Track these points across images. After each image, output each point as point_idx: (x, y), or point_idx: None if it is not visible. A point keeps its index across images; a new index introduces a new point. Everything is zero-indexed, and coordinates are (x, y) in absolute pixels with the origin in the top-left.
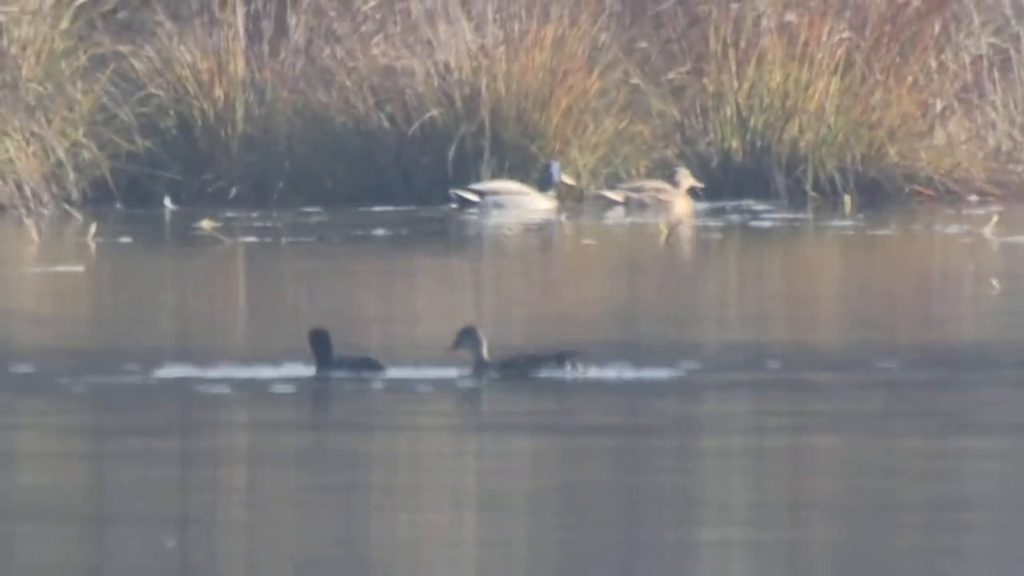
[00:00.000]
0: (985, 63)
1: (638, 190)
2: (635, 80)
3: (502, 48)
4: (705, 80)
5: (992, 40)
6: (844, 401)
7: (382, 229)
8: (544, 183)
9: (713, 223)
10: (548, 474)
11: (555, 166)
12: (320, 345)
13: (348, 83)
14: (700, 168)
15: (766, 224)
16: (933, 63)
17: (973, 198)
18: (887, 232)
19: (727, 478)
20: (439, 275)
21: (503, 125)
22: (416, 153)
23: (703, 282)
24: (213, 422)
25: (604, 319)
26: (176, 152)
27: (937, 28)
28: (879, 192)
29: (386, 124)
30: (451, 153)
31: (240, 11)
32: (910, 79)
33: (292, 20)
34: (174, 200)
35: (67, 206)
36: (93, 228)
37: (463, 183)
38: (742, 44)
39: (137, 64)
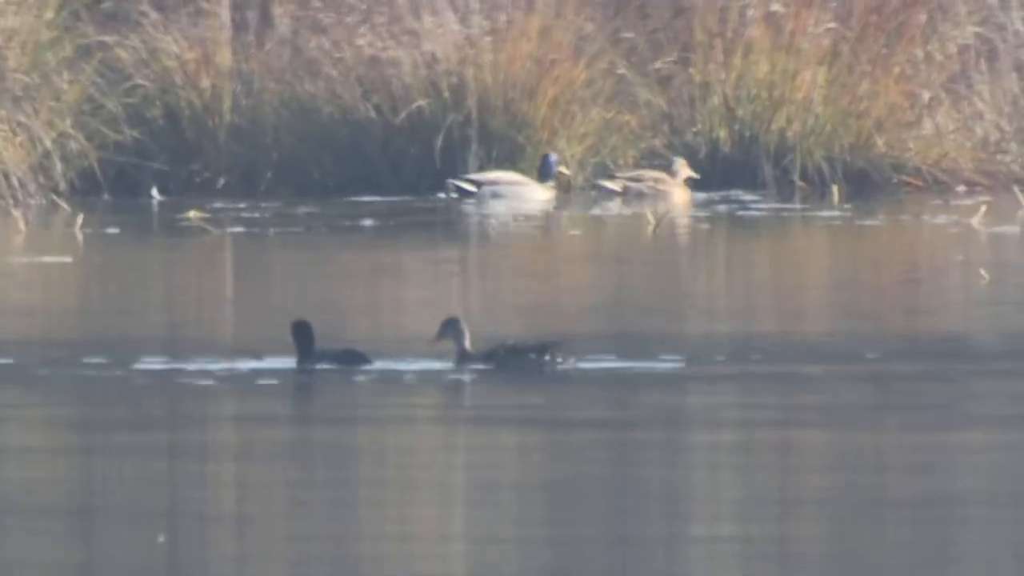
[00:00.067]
0: (972, 53)
1: (637, 180)
2: (621, 70)
3: (488, 38)
4: (692, 70)
5: (978, 30)
6: (832, 393)
7: (370, 220)
8: (543, 173)
9: (701, 213)
10: (536, 467)
11: (553, 157)
12: (302, 337)
13: (335, 74)
14: (688, 158)
15: (754, 214)
16: (920, 53)
17: (961, 188)
18: (875, 222)
19: (715, 472)
20: (427, 266)
21: (490, 115)
22: (403, 143)
23: (691, 273)
24: (200, 414)
25: (590, 310)
26: (163, 142)
27: (923, 18)
28: (867, 182)
29: (373, 115)
30: (439, 143)
31: (225, 1)
32: (897, 69)
33: (277, 10)
34: (161, 191)
35: (55, 197)
36: (80, 219)
37: (451, 173)
38: (728, 34)
39: (123, 54)
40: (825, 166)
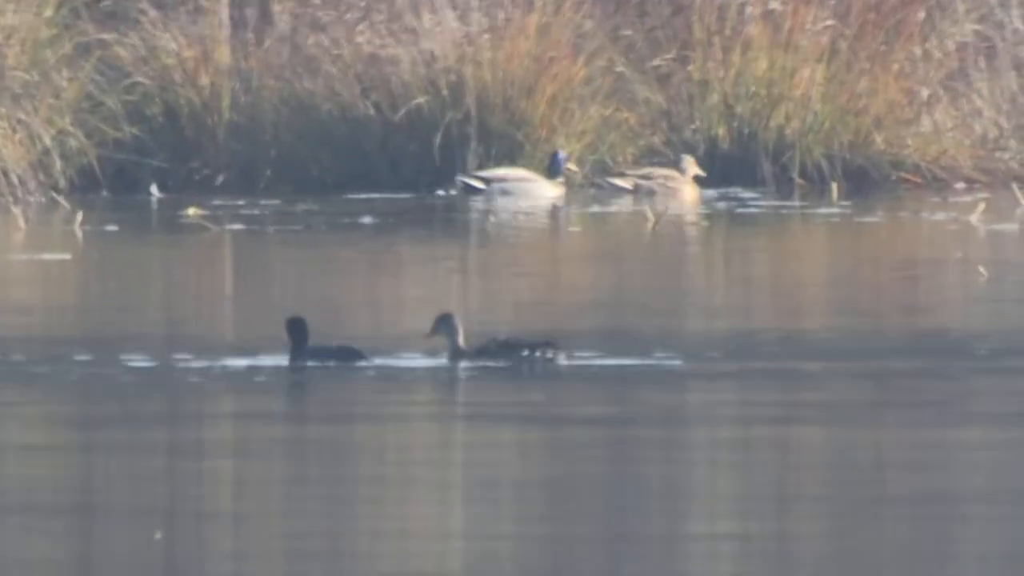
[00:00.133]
0: (970, 50)
1: (647, 178)
2: (620, 68)
3: (487, 36)
4: (691, 68)
5: (976, 27)
6: (831, 390)
7: (369, 217)
8: (552, 170)
9: (701, 210)
10: (535, 464)
11: (562, 153)
12: (296, 333)
13: (334, 71)
14: (678, 156)
15: (753, 211)
16: (918, 51)
17: (960, 185)
18: (874, 219)
19: (714, 469)
20: (426, 263)
21: (489, 113)
22: (402, 141)
23: (690, 270)
24: (199, 411)
25: (588, 307)
26: (162, 140)
27: (921, 15)
28: (866, 179)
29: (372, 112)
30: (437, 141)
31: None
32: (895, 66)
33: (276, 8)
34: (161, 188)
35: (54, 194)
36: (80, 216)
37: (450, 171)
38: (727, 31)
39: (122, 52)
40: (824, 163)
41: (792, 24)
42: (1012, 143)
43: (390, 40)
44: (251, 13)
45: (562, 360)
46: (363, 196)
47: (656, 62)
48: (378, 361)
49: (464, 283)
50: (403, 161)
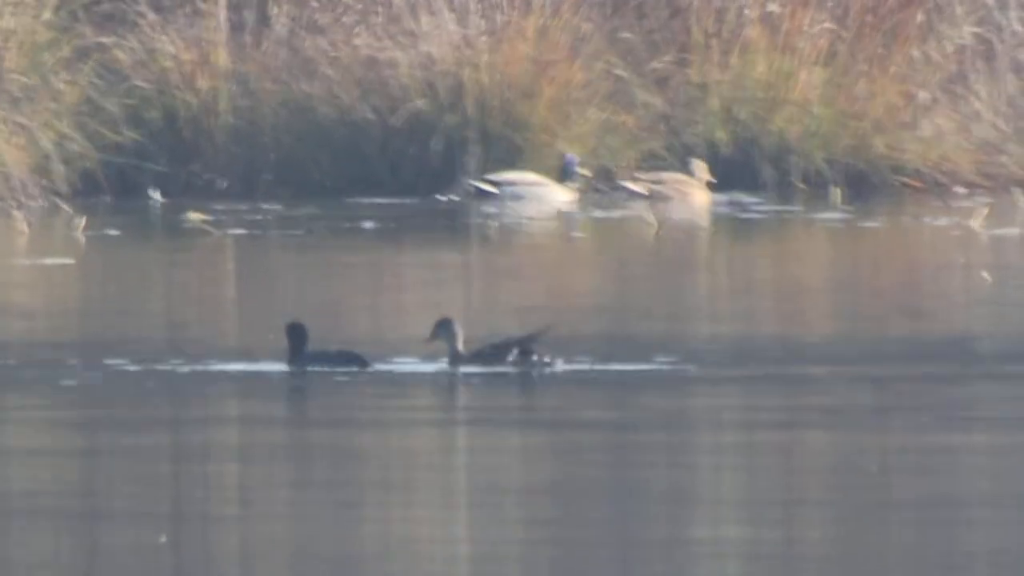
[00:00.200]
0: (968, 53)
1: (659, 182)
2: (619, 71)
3: (485, 39)
4: (689, 71)
5: (975, 30)
6: (833, 395)
7: (370, 221)
8: (564, 174)
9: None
10: (537, 469)
11: (573, 158)
12: (296, 338)
13: (332, 74)
14: (687, 160)
15: (754, 216)
16: (916, 53)
17: (961, 190)
18: (875, 224)
19: (717, 474)
20: (427, 268)
21: (488, 116)
22: (402, 144)
23: (692, 275)
24: (202, 416)
25: (590, 312)
26: (162, 143)
27: (919, 18)
28: (867, 184)
29: (371, 115)
30: (434, 144)
31: (222, 2)
32: (893, 69)
33: (274, 11)
34: (162, 192)
35: (56, 198)
36: (82, 221)
37: (449, 174)
38: (725, 34)
39: (121, 55)
40: (825, 168)
41: (790, 27)
42: (1012, 147)
43: (388, 43)
44: (249, 16)
45: (554, 358)
46: (363, 200)
47: (655, 65)
48: (379, 366)
49: (465, 287)
50: (403, 165)
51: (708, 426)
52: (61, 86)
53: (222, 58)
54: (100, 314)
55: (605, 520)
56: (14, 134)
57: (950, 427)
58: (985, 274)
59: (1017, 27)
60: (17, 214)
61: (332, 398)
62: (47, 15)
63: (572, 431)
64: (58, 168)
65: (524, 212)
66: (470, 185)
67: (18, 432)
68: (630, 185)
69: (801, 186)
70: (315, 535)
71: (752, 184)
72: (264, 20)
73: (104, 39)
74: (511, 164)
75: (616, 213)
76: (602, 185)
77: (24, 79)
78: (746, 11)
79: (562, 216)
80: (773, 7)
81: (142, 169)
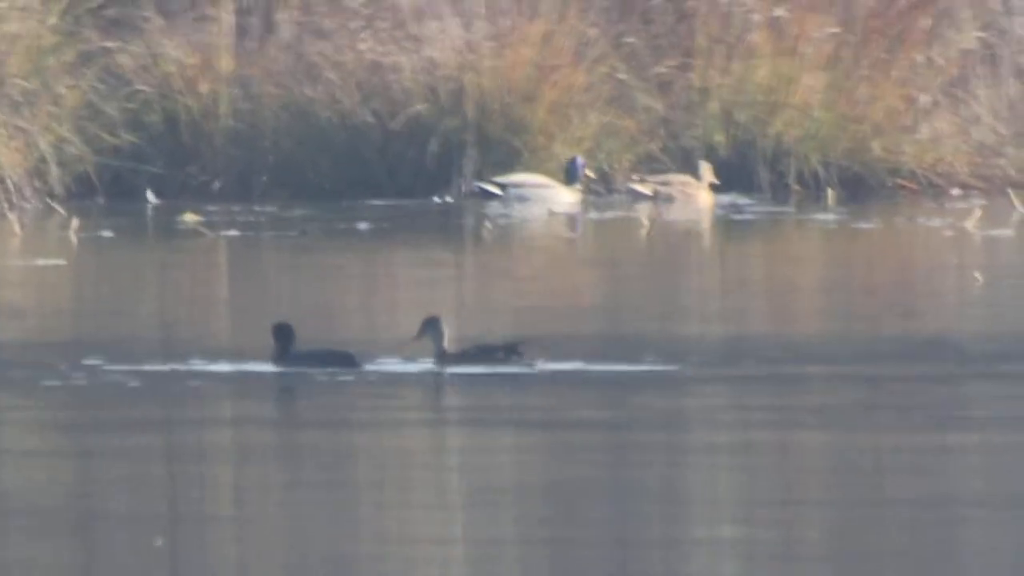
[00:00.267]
0: (972, 58)
1: (666, 184)
2: (621, 75)
3: (489, 44)
4: (692, 75)
5: (980, 35)
6: (827, 395)
7: (365, 223)
8: (570, 176)
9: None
10: (532, 469)
11: (579, 159)
12: (283, 339)
13: (334, 78)
14: (684, 162)
15: (749, 217)
16: (920, 58)
17: (956, 192)
18: (870, 225)
19: (712, 473)
20: (422, 269)
21: (488, 120)
22: (401, 147)
23: (686, 276)
24: (194, 417)
25: (584, 312)
26: (160, 147)
27: (926, 22)
28: (862, 186)
29: (371, 119)
30: (431, 147)
31: (228, 7)
32: (896, 74)
33: (280, 16)
34: (157, 194)
35: (50, 200)
36: (76, 222)
37: (446, 177)
38: (730, 39)
39: (124, 60)
40: (821, 170)
41: (797, 32)
42: (1009, 150)
43: (392, 48)
44: (255, 21)
45: (538, 361)
46: (360, 202)
47: (658, 69)
48: (369, 366)
49: (460, 289)
50: (401, 168)
51: (702, 426)
52: (63, 90)
53: (225, 62)
54: (93, 315)
55: (600, 520)
56: (12, 137)
57: (943, 426)
58: (977, 275)
59: (1021, 32)
60: (11, 216)
61: (324, 398)
62: (52, 20)
63: (566, 431)
64: (53, 171)
65: (527, 213)
66: (476, 187)
67: (11, 433)
68: (636, 187)
69: (796, 188)
70: (308, 536)
71: (749, 186)
72: (270, 25)
73: (109, 44)
74: (509, 167)
75: (608, 214)
76: (608, 187)
77: (25, 83)
78: (752, 16)
79: (566, 217)
80: (780, 12)
81: (138, 171)
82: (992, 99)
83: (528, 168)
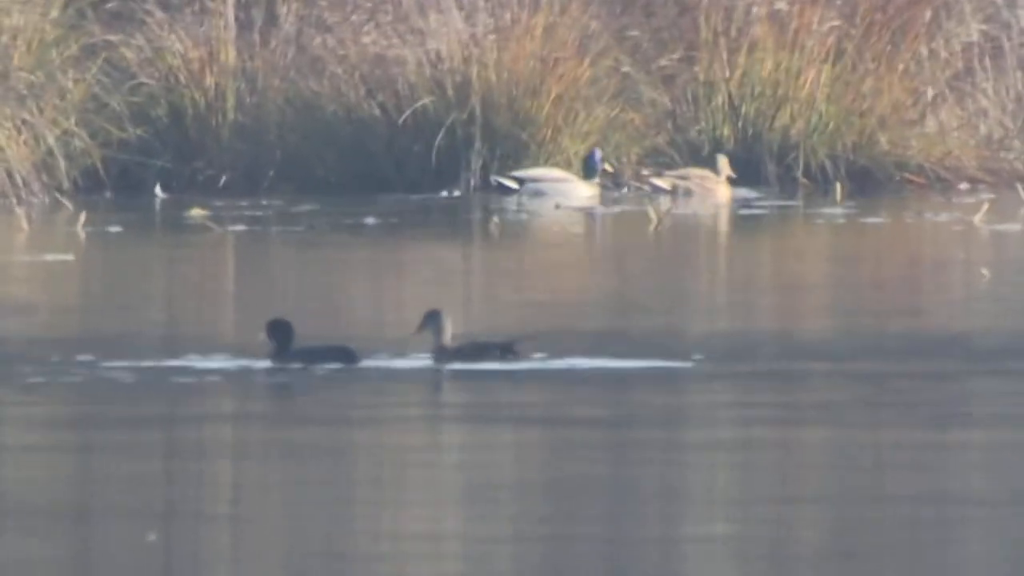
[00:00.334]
0: (976, 51)
1: (684, 178)
2: (626, 68)
3: (493, 37)
4: (696, 68)
5: (983, 27)
6: (832, 391)
7: (372, 217)
8: (588, 170)
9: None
10: (533, 466)
11: (597, 153)
12: (279, 335)
13: (339, 72)
14: (691, 156)
15: (757, 212)
16: (924, 51)
17: (964, 186)
18: (877, 220)
19: (714, 470)
20: (429, 263)
21: (494, 113)
22: (407, 142)
23: (692, 271)
24: (200, 413)
25: (590, 308)
26: (167, 140)
27: (927, 16)
28: (870, 180)
29: (377, 113)
30: (437, 141)
31: (229, 0)
32: (901, 67)
33: (282, 9)
34: (164, 189)
35: (58, 195)
36: (83, 217)
37: (452, 171)
38: (733, 32)
39: (128, 53)
40: (828, 164)
41: (798, 24)
42: (1017, 143)
43: (396, 41)
44: (257, 14)
45: (534, 359)
46: (367, 197)
47: (662, 63)
48: (372, 361)
49: (466, 283)
50: (408, 162)
51: (705, 422)
52: (68, 83)
53: (230, 56)
54: (101, 310)
55: (601, 517)
56: (19, 131)
57: (947, 423)
58: (984, 270)
59: None
60: (19, 210)
61: (327, 394)
62: (55, 13)
63: (567, 427)
64: (61, 165)
65: (538, 208)
66: (493, 180)
67: (17, 428)
68: (655, 180)
69: (804, 182)
70: (306, 532)
71: (756, 180)
72: (272, 18)
73: (112, 37)
74: (516, 161)
75: (615, 208)
76: (617, 181)
77: (31, 77)
78: (754, 9)
79: (584, 212)
80: (781, 5)
81: (145, 166)
82: (998, 92)
83: (536, 162)
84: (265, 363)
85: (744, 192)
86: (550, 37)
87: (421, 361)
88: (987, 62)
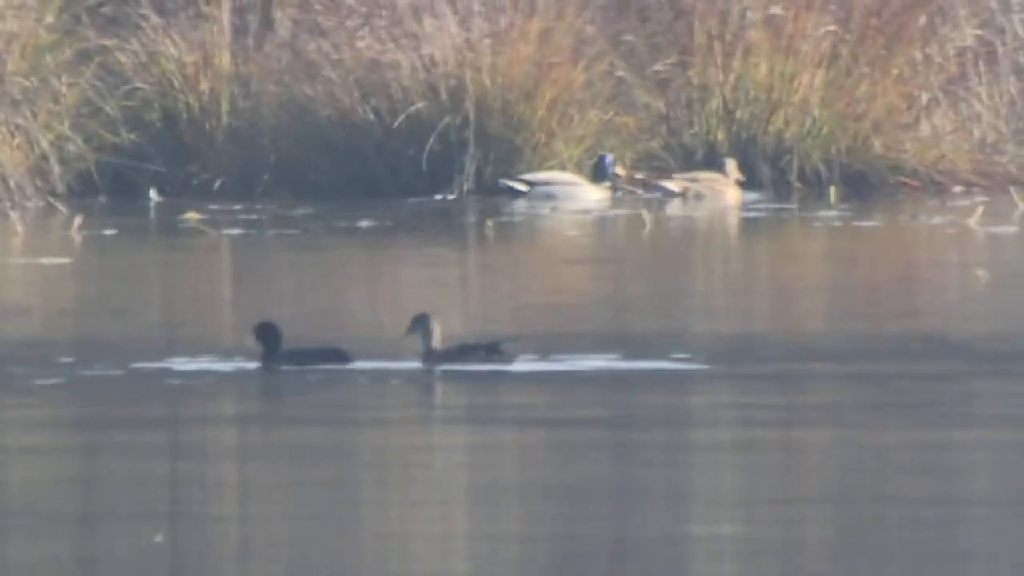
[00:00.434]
0: (970, 55)
1: (694, 180)
2: (620, 72)
3: (488, 41)
4: (691, 73)
5: (977, 32)
6: (829, 393)
7: (366, 221)
8: (599, 174)
9: (699, 214)
10: (534, 467)
11: (608, 157)
12: (267, 339)
13: (333, 76)
14: (685, 160)
15: (751, 215)
16: (919, 55)
17: (958, 189)
18: (872, 223)
19: (715, 471)
20: (423, 267)
21: (488, 117)
22: (401, 146)
23: (688, 273)
24: (195, 415)
25: (586, 310)
26: (161, 145)
27: (922, 20)
28: (864, 183)
29: (371, 117)
30: (431, 145)
31: (225, 5)
32: (895, 71)
33: (277, 14)
34: (159, 193)
35: (52, 199)
36: (78, 220)
37: (446, 175)
38: (728, 37)
39: (122, 58)
40: (822, 167)
41: (793, 29)
42: (1010, 147)
43: (391, 45)
44: (252, 19)
45: (520, 360)
46: (361, 201)
47: (657, 67)
48: (363, 362)
49: (461, 287)
50: (401, 166)
51: (706, 423)
52: (62, 88)
53: (224, 60)
54: (95, 314)
55: (602, 518)
56: (13, 136)
57: (945, 424)
58: (980, 272)
59: (1019, 30)
60: (13, 215)
61: (322, 396)
62: (50, 18)
63: (568, 428)
64: (55, 169)
65: (538, 211)
66: (502, 184)
67: (14, 431)
68: (666, 184)
69: (798, 186)
70: (308, 534)
71: (750, 184)
72: (267, 23)
73: (106, 42)
74: (511, 165)
75: (611, 212)
76: (639, 184)
77: (25, 82)
78: (749, 13)
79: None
80: (776, 9)
81: (139, 170)
82: (992, 96)
83: (530, 166)
84: (256, 365)
85: (754, 195)
86: (545, 41)
87: (413, 363)
88: (981, 66)
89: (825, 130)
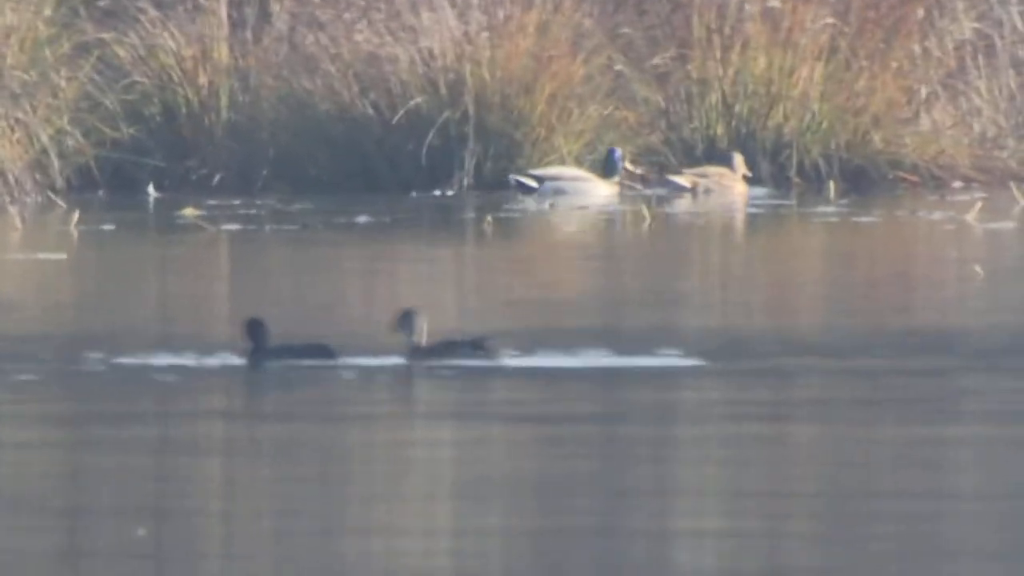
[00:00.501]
0: (969, 49)
1: (703, 176)
2: (619, 66)
3: (486, 34)
4: (690, 66)
5: (976, 25)
6: (826, 388)
7: (365, 216)
8: (608, 169)
9: (704, 209)
10: (524, 463)
11: (617, 152)
12: (255, 334)
13: (332, 70)
14: (685, 154)
15: (750, 210)
16: (917, 49)
17: (957, 184)
18: (871, 218)
19: (707, 466)
20: (422, 262)
21: (487, 111)
22: (400, 140)
23: (685, 268)
24: (192, 411)
25: (582, 305)
26: (160, 139)
27: (920, 14)
28: (863, 178)
29: (370, 111)
30: (430, 139)
31: None
32: (894, 65)
33: (275, 7)
34: (157, 187)
35: (51, 194)
36: (76, 216)
37: (445, 170)
38: (726, 30)
39: (121, 52)
40: (822, 162)
41: (791, 22)
42: (1010, 142)
43: (389, 39)
44: (250, 12)
45: (503, 358)
46: (360, 196)
47: (655, 61)
48: (350, 358)
49: (458, 282)
50: (401, 160)
51: (698, 418)
52: (61, 82)
53: (223, 54)
54: (93, 309)
55: (592, 514)
56: (12, 130)
57: (942, 420)
58: (977, 268)
59: (1018, 23)
60: (11, 209)
61: (309, 391)
62: (48, 11)
63: (558, 424)
64: (54, 163)
65: (537, 207)
66: (512, 179)
67: (10, 426)
68: (675, 179)
69: (797, 180)
70: (294, 529)
71: (750, 178)
72: (265, 16)
73: (105, 35)
74: (510, 160)
75: (612, 208)
76: (648, 180)
77: (24, 75)
78: (747, 7)
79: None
80: (774, 3)
81: (138, 164)
82: (991, 91)
83: (530, 162)
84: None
85: (761, 190)
86: (543, 35)
87: (398, 359)
88: (980, 60)
89: (824, 125)
